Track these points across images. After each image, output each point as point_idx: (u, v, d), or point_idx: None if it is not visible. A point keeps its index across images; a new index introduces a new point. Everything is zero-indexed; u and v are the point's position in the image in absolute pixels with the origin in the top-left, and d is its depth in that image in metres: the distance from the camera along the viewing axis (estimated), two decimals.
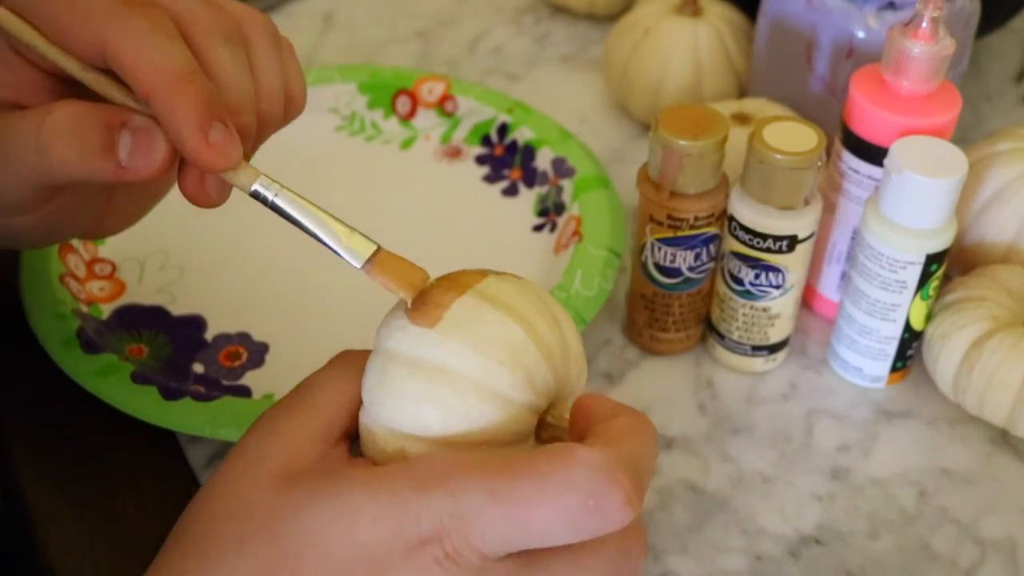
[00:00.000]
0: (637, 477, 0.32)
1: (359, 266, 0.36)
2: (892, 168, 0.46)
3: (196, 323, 0.54)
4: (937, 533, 0.47)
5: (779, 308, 0.51)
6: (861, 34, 0.56)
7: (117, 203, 0.44)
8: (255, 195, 0.36)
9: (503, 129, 0.64)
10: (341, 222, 0.36)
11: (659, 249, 0.50)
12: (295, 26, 0.78)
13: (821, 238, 0.53)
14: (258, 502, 0.33)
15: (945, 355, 0.49)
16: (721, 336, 0.53)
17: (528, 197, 0.61)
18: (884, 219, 0.47)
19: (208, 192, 0.38)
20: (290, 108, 0.41)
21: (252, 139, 0.39)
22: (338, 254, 0.36)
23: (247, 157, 0.38)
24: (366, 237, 0.36)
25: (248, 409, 0.47)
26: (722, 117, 0.47)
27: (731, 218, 0.49)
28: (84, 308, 0.53)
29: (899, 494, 0.48)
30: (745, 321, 0.51)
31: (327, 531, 0.32)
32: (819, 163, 0.47)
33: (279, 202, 0.36)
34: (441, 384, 0.34)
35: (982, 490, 0.49)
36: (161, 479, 0.48)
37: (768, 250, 0.48)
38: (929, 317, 0.50)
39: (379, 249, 0.36)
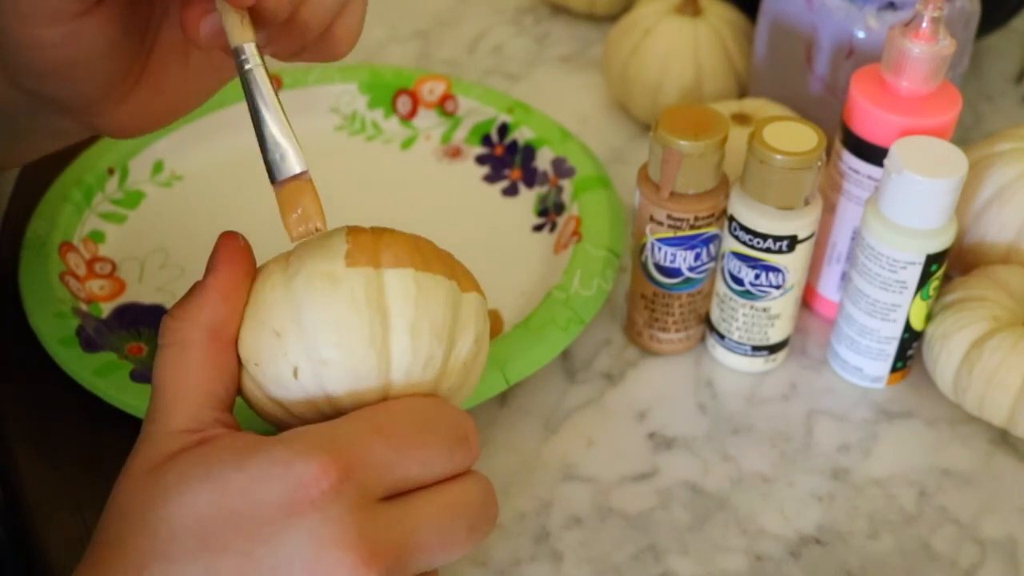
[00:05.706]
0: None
1: (271, 181, 0.35)
2: (892, 168, 0.46)
3: None
4: (937, 533, 0.47)
5: (779, 308, 0.51)
6: (861, 34, 0.56)
7: (148, 82, 0.41)
8: (237, 52, 0.35)
9: (503, 129, 0.64)
10: (291, 130, 0.35)
11: (659, 249, 0.50)
12: None
13: (821, 238, 0.53)
14: (134, 499, 0.34)
15: (945, 355, 0.49)
16: (721, 336, 0.53)
17: (528, 197, 0.61)
18: (884, 219, 0.47)
19: (200, 27, 0.37)
20: (327, 42, 0.39)
21: (274, 23, 0.37)
22: (264, 157, 0.35)
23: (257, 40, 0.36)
24: (299, 156, 0.35)
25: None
26: (722, 117, 0.47)
27: (731, 218, 0.49)
28: (84, 307, 0.53)
29: (899, 494, 0.48)
30: (745, 321, 0.51)
31: (198, 509, 0.32)
32: (819, 163, 0.47)
33: (249, 76, 0.35)
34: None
35: (982, 490, 0.49)
36: None
37: (768, 250, 0.48)
38: (929, 317, 0.50)
39: (301, 175, 0.35)
